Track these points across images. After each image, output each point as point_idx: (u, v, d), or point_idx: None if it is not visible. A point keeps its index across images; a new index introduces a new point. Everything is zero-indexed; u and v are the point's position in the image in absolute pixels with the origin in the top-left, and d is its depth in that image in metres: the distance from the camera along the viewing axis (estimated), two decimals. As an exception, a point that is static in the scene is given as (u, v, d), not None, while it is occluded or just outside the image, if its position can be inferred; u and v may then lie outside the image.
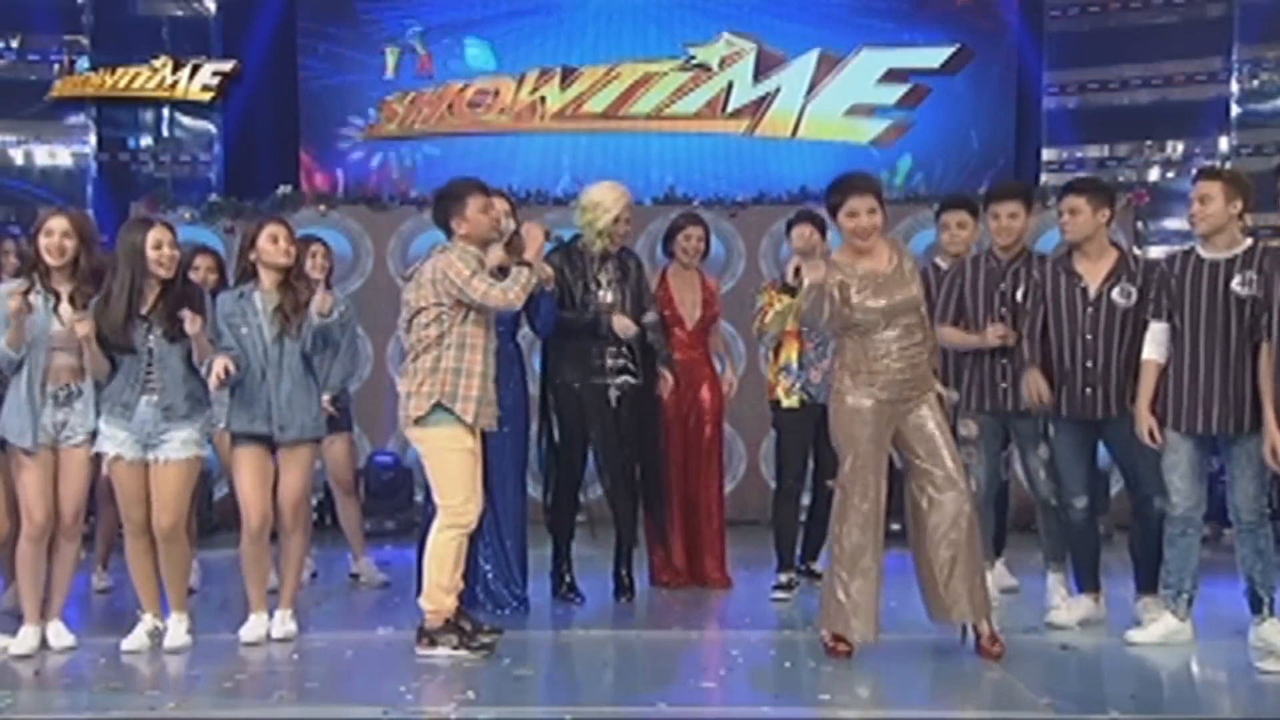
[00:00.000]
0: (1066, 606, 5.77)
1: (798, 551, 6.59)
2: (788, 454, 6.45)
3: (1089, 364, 5.55)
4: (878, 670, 5.13)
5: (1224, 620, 5.61)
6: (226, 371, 5.10)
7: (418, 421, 5.16)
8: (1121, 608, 5.76)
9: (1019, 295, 5.78)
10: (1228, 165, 9.55)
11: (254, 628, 5.39)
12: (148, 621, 5.28)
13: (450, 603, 5.18)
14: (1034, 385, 5.57)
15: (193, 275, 6.06)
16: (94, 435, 5.20)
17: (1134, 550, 5.74)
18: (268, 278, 5.39)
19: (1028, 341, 5.64)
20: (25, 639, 5.16)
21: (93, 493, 5.66)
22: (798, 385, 6.31)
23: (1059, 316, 5.60)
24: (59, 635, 5.28)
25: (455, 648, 5.11)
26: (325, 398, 6.32)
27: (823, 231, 6.32)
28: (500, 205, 5.79)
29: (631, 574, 6.30)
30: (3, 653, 5.17)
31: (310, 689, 4.80)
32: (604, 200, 6.09)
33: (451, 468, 5.15)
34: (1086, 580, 5.78)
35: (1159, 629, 5.36)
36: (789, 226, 6.48)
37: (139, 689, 4.77)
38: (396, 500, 8.56)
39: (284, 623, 5.48)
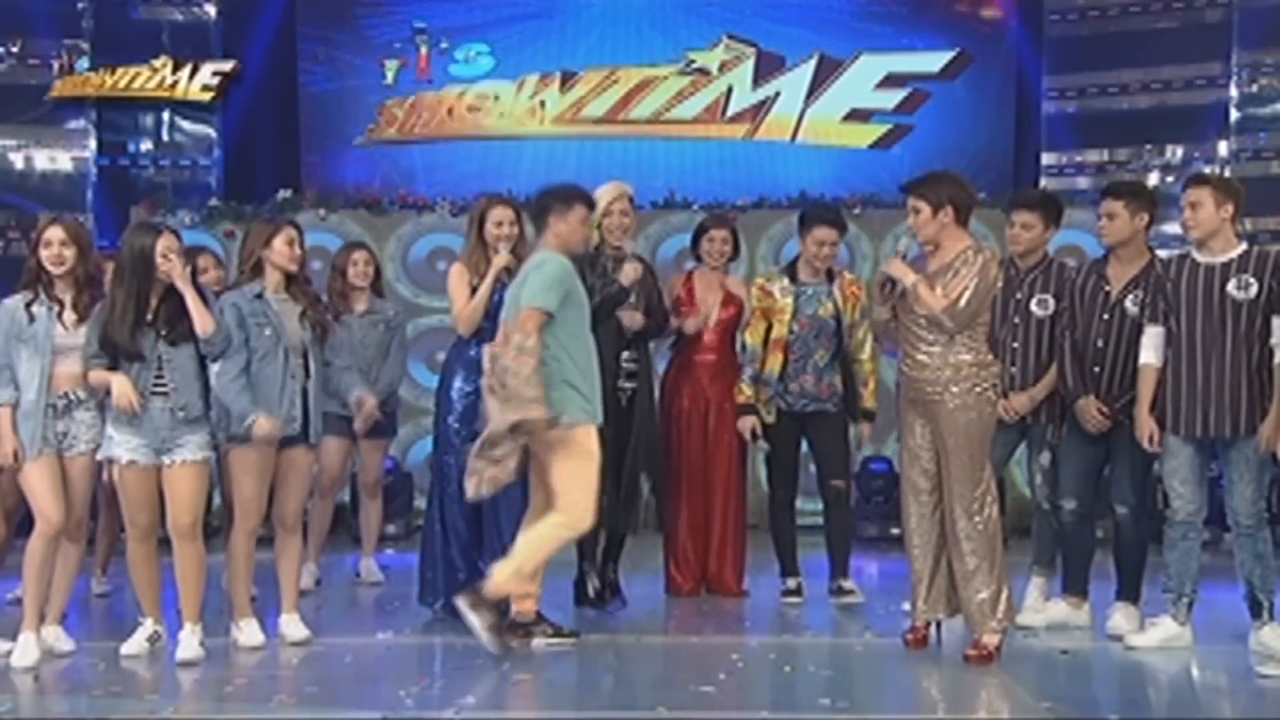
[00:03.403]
0: (1038, 609, 5.80)
1: (821, 557, 6.61)
2: (774, 464, 6.54)
3: (1095, 369, 5.57)
4: (877, 674, 5.15)
5: (1224, 625, 5.62)
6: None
7: (552, 424, 5.16)
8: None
9: (1033, 305, 5.78)
10: (1227, 170, 9.58)
11: (253, 633, 5.39)
12: (148, 626, 5.28)
13: (515, 590, 5.21)
14: (1087, 413, 5.56)
15: (202, 279, 6.11)
16: (100, 443, 5.20)
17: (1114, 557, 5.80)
18: (273, 278, 5.41)
19: (1071, 366, 5.61)
20: (26, 652, 5.10)
21: (93, 496, 5.66)
22: (775, 397, 6.35)
23: (1082, 319, 5.61)
24: (58, 640, 5.28)
25: (487, 626, 5.11)
26: (372, 402, 6.35)
27: (842, 232, 6.39)
28: (507, 213, 5.90)
29: (618, 576, 6.29)
30: (3, 657, 5.17)
31: (309, 693, 4.80)
32: (596, 195, 6.07)
33: (589, 471, 5.18)
34: (1072, 583, 5.81)
35: (1159, 633, 5.36)
36: (802, 223, 6.42)
37: (138, 693, 4.77)
38: (397, 505, 8.55)
39: (296, 627, 5.49)
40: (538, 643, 5.33)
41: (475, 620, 5.09)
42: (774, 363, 6.31)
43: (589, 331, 5.34)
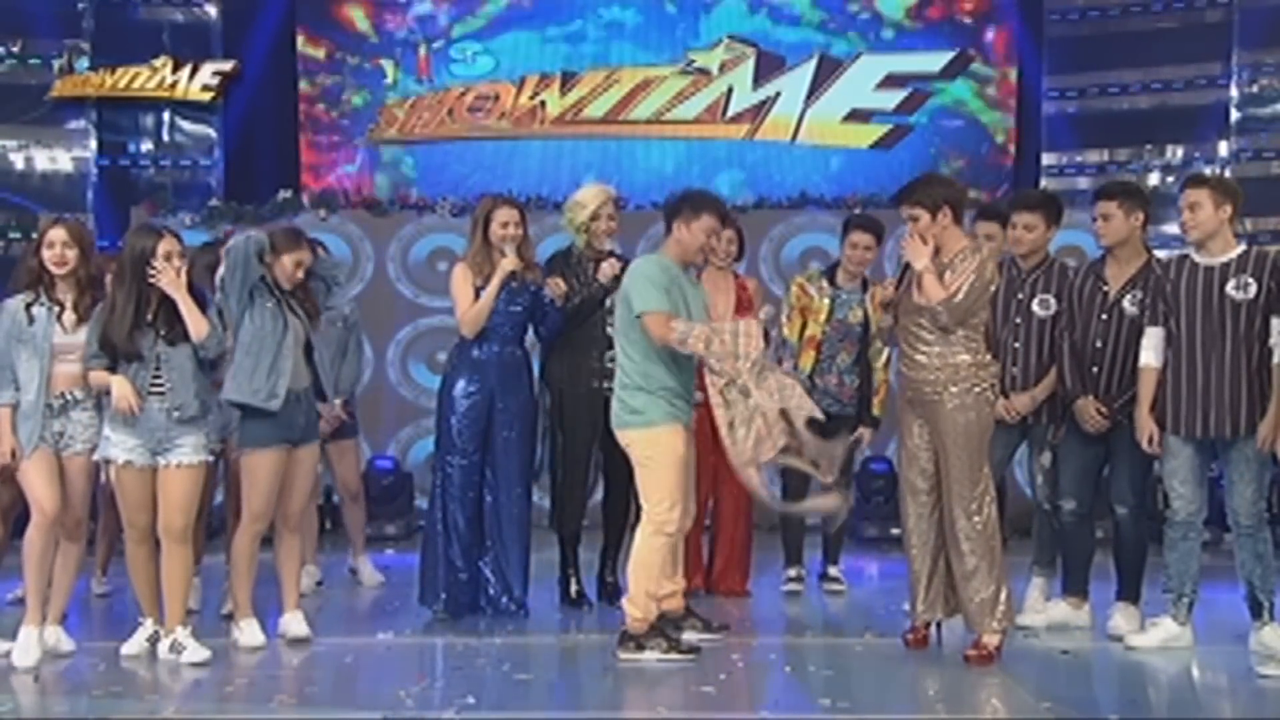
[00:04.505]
0: (1038, 609, 5.81)
1: (819, 555, 6.78)
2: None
3: (1094, 369, 5.57)
4: (877, 674, 5.15)
5: (1224, 625, 5.62)
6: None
7: (627, 426, 5.24)
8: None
9: (1035, 305, 5.79)
10: (1227, 170, 9.58)
11: (253, 633, 5.39)
12: (148, 627, 5.28)
13: (655, 609, 5.23)
14: (1086, 413, 5.56)
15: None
16: (95, 443, 5.20)
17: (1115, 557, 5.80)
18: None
19: (1070, 367, 5.62)
20: (27, 650, 5.11)
21: (93, 497, 5.66)
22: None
23: (1080, 319, 5.62)
24: (58, 640, 5.27)
25: (664, 651, 5.15)
26: (337, 402, 6.34)
27: (879, 239, 6.55)
28: (512, 214, 5.92)
29: (617, 578, 6.30)
30: (4, 656, 5.17)
31: (310, 693, 4.81)
32: (583, 198, 6.13)
33: (667, 471, 5.20)
34: (1072, 583, 5.81)
35: (1159, 633, 5.36)
36: (843, 228, 6.66)
37: (138, 693, 4.78)
38: (397, 505, 8.55)
39: (300, 623, 5.50)
40: (688, 636, 5.34)
41: (650, 656, 5.15)
42: (806, 360, 6.50)
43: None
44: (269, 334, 5.33)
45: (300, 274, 5.46)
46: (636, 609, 5.19)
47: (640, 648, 5.17)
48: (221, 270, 5.30)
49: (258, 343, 5.32)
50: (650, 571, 5.20)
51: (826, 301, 6.49)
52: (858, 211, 8.17)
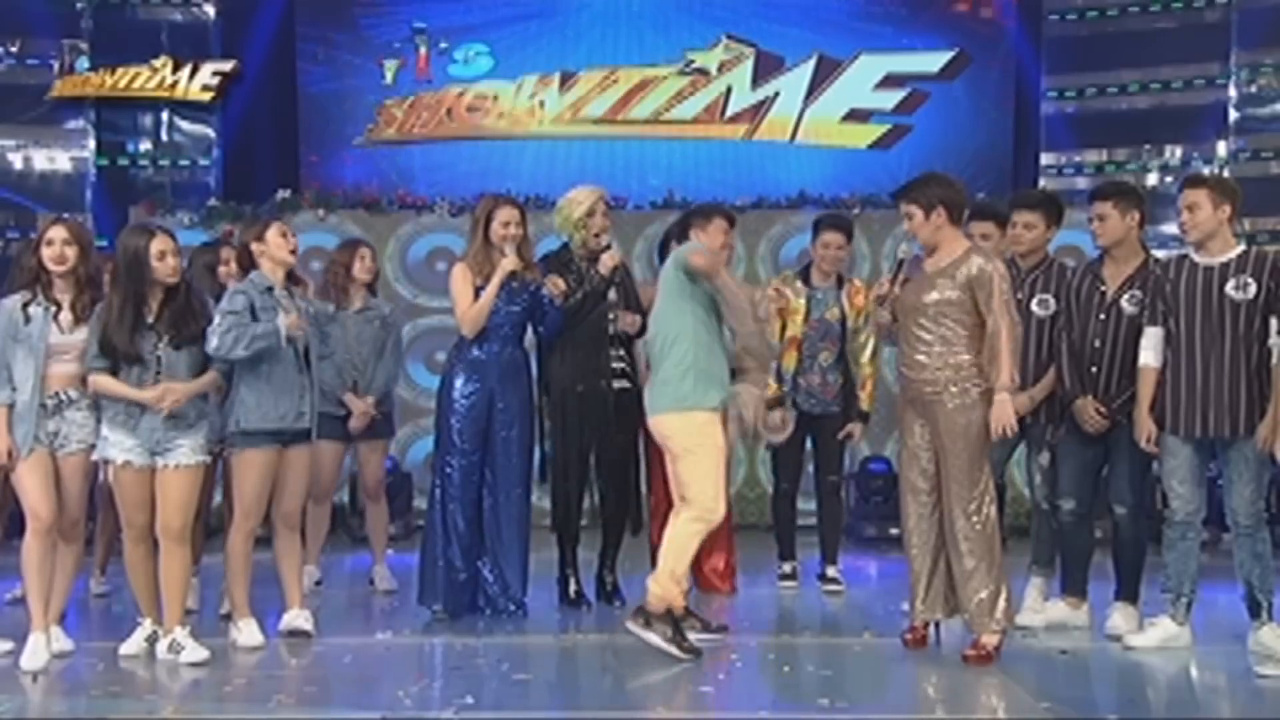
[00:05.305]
0: (1037, 609, 5.81)
1: (817, 555, 6.80)
2: (781, 458, 6.74)
3: (1093, 369, 5.57)
4: (876, 674, 5.16)
5: (1223, 625, 5.63)
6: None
7: (669, 409, 5.28)
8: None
9: (1034, 305, 5.79)
10: (1225, 170, 9.60)
11: (252, 633, 5.39)
12: (147, 627, 5.28)
13: (677, 593, 5.23)
14: (1085, 413, 5.55)
15: (221, 270, 6.15)
16: (93, 443, 5.20)
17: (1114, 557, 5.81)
18: (273, 274, 5.43)
19: (1069, 367, 5.61)
20: (35, 653, 5.08)
21: (91, 497, 5.66)
22: (789, 393, 6.54)
23: (1079, 319, 5.62)
24: (58, 640, 5.26)
25: (667, 639, 5.15)
26: (369, 399, 6.33)
27: (849, 238, 6.68)
28: (513, 213, 5.93)
29: (616, 577, 6.31)
30: (5, 655, 5.18)
31: (309, 693, 4.80)
32: (576, 195, 6.14)
33: (712, 459, 5.23)
34: (1071, 583, 5.81)
35: (1157, 633, 5.37)
36: (814, 228, 6.75)
37: (137, 694, 4.77)
38: (397, 505, 8.52)
39: (303, 619, 5.52)
40: (652, 637, 5.29)
41: (654, 637, 5.16)
42: (789, 360, 6.56)
43: (717, 321, 5.37)
44: (280, 358, 5.33)
45: (291, 243, 5.45)
46: (658, 586, 5.19)
47: (648, 625, 5.18)
48: (226, 330, 5.21)
49: (278, 374, 5.33)
50: (682, 556, 5.22)
51: (803, 302, 6.56)
52: (843, 211, 8.29)
